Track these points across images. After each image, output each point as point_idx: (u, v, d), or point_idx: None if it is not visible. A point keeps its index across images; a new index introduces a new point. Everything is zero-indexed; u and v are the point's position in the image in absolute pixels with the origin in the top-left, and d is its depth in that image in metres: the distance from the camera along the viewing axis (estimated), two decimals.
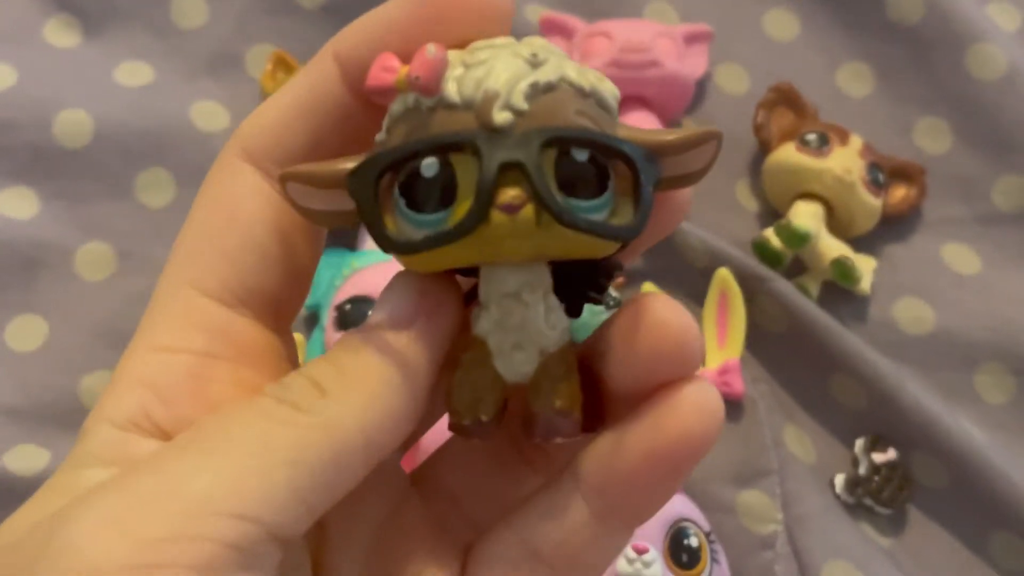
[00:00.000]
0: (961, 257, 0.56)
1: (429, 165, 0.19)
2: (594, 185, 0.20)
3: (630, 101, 0.55)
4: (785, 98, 0.56)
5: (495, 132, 0.19)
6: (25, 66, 0.55)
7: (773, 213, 0.56)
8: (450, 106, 0.19)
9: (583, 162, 0.19)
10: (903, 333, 0.53)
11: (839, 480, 0.50)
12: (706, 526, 0.46)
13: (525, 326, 0.21)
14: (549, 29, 0.57)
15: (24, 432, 0.49)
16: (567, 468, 0.22)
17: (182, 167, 0.55)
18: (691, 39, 0.58)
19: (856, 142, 0.54)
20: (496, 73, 0.19)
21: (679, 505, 0.46)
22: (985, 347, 0.53)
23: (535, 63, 0.20)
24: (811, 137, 0.54)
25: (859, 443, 0.51)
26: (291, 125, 0.22)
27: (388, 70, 0.20)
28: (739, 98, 0.59)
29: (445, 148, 0.19)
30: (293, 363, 0.23)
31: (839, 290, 0.54)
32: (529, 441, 0.22)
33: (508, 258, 0.20)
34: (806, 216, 0.52)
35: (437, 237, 0.19)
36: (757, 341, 0.53)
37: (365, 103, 0.21)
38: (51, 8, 0.58)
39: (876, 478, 0.50)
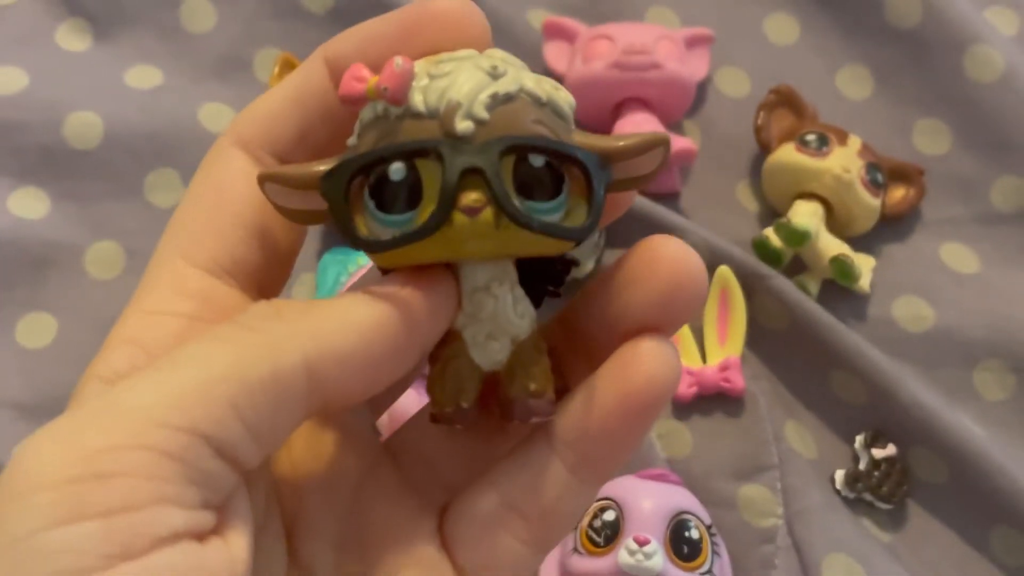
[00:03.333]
0: (960, 256, 0.56)
1: (396, 170, 0.21)
2: (550, 188, 0.21)
3: (632, 102, 0.55)
4: (785, 100, 0.57)
5: (458, 140, 0.20)
6: (36, 69, 0.56)
7: (773, 213, 0.56)
8: (416, 115, 0.21)
9: (539, 167, 0.21)
10: (902, 331, 0.54)
11: (839, 475, 0.51)
12: (707, 519, 0.47)
13: (496, 317, 0.22)
14: (552, 33, 0.58)
15: (34, 428, 0.50)
16: (540, 426, 0.23)
17: (190, 168, 0.55)
18: (692, 42, 0.58)
19: (855, 142, 0.55)
20: (458, 84, 0.21)
21: (680, 498, 0.47)
22: (984, 345, 0.53)
23: (495, 75, 0.21)
24: (810, 137, 0.54)
25: (859, 439, 0.52)
26: (281, 117, 0.24)
27: (359, 79, 0.21)
28: (740, 101, 0.59)
29: (411, 154, 0.21)
30: None
31: (839, 289, 0.54)
32: (507, 423, 0.23)
33: (471, 256, 0.21)
34: (806, 215, 0.53)
35: (404, 236, 0.20)
36: (757, 338, 0.53)
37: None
38: (62, 13, 0.59)
39: (876, 473, 0.51)
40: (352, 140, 0.22)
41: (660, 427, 0.52)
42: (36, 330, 0.52)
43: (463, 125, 0.20)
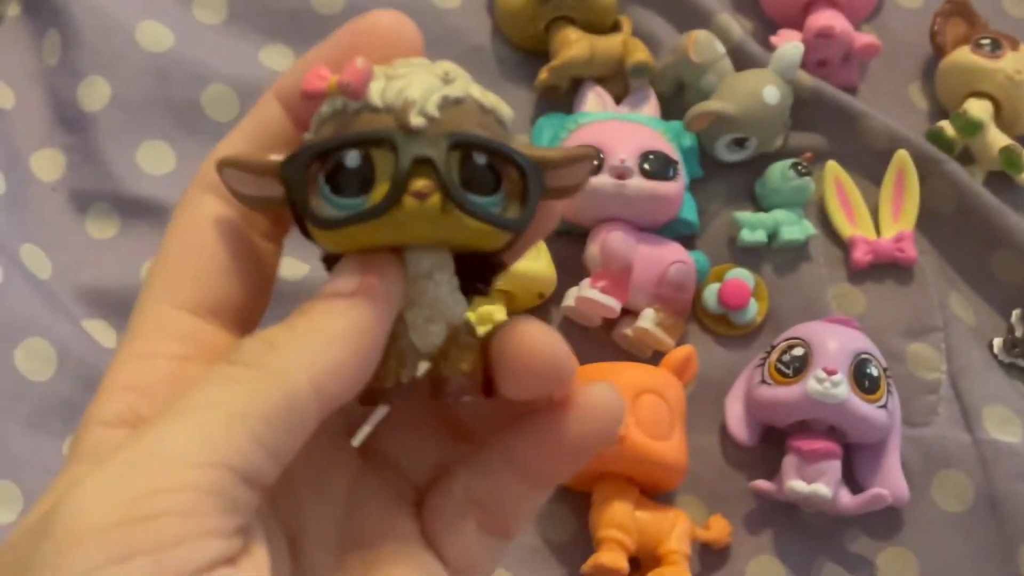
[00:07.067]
0: None
1: (352, 156, 0.22)
2: (489, 185, 0.23)
3: (820, 2, 0.61)
4: (960, 10, 0.62)
5: (411, 133, 0.22)
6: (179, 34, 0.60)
7: (942, 113, 0.62)
8: (373, 109, 0.22)
9: (481, 165, 0.23)
10: None
11: (997, 342, 0.56)
12: (884, 363, 0.52)
13: (436, 302, 0.24)
14: None
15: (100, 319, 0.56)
16: (497, 441, 0.26)
17: None
18: None
19: None
20: (414, 85, 0.23)
21: (863, 342, 0.52)
22: None
23: (447, 80, 0.23)
24: (985, 41, 0.60)
25: (1016, 312, 0.57)
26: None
27: (321, 78, 0.23)
28: (915, 11, 0.64)
29: (368, 142, 0.22)
30: None
31: (1004, 180, 0.59)
32: (440, 402, 0.26)
33: (415, 239, 0.23)
34: (979, 109, 0.58)
35: (358, 214, 0.22)
36: (924, 219, 0.58)
37: (303, 128, 0.25)
38: None
39: None
40: (308, 135, 0.24)
41: (835, 290, 0.57)
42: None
43: (417, 120, 0.22)
